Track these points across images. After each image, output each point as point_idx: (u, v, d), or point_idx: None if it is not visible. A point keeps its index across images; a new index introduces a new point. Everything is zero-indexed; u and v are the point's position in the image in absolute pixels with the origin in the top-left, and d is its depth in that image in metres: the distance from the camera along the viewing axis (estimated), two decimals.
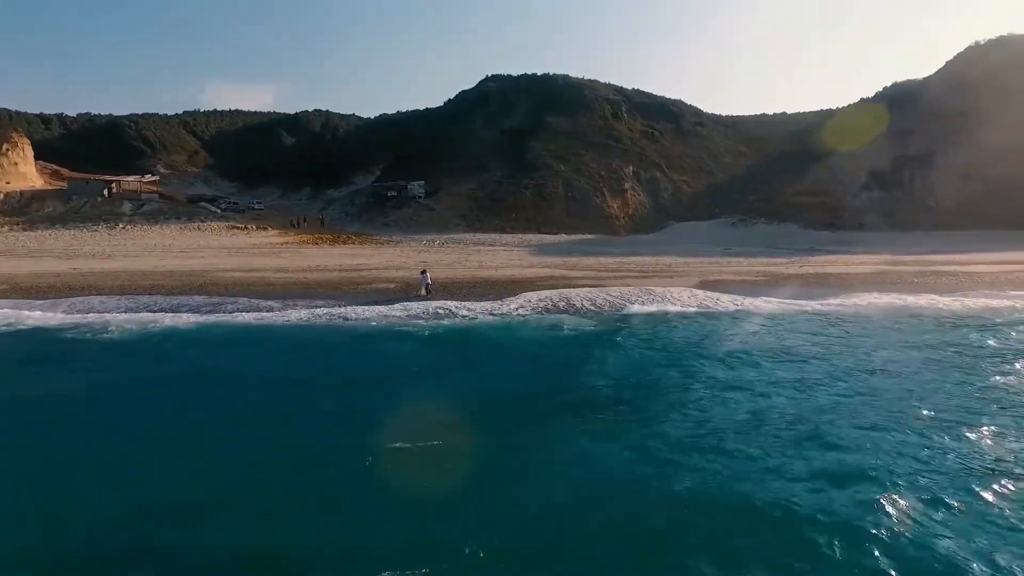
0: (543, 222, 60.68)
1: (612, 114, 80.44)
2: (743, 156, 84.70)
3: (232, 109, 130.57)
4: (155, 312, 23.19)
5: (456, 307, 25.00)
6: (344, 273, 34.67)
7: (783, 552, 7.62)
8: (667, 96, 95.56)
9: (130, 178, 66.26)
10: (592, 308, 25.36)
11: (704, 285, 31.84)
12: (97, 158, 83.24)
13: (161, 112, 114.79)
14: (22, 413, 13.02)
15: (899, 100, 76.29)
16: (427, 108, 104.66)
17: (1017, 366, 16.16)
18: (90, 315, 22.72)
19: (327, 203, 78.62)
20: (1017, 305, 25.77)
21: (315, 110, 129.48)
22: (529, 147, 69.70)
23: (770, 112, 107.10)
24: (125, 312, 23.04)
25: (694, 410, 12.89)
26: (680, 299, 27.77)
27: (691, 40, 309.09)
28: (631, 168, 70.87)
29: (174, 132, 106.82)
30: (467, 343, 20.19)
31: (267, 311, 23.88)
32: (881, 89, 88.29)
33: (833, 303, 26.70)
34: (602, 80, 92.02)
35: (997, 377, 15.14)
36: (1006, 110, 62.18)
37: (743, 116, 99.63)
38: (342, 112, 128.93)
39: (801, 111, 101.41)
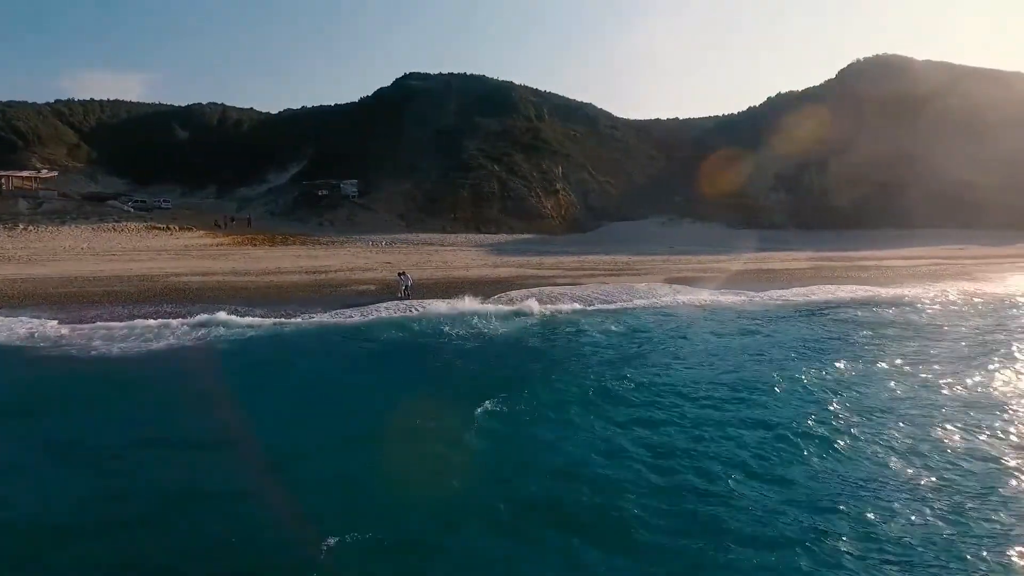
0: (482, 222, 60.84)
1: (536, 116, 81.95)
2: (655, 159, 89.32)
3: (112, 99, 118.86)
4: (133, 322, 20.90)
5: (456, 307, 24.69)
6: (311, 276, 33.06)
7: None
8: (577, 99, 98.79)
9: (24, 173, 58.37)
10: (590, 306, 26.09)
11: (671, 281, 33.60)
12: None
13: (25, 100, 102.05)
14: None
15: (784, 109, 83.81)
16: (338, 104, 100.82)
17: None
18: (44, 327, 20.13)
19: (242, 202, 73.82)
20: (932, 292, 29.90)
21: (209, 103, 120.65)
22: (463, 147, 69.44)
23: (663, 117, 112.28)
24: (89, 324, 20.61)
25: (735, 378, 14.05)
26: (664, 295, 29.20)
27: (588, 46, 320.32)
28: (560, 169, 72.68)
29: (48, 123, 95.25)
30: (513, 343, 19.89)
31: (261, 317, 22.44)
32: (765, 99, 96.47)
33: (790, 294, 29.41)
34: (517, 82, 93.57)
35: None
36: (886, 121, 70.47)
37: (642, 120, 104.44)
38: (239, 106, 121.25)
39: (692, 116, 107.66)
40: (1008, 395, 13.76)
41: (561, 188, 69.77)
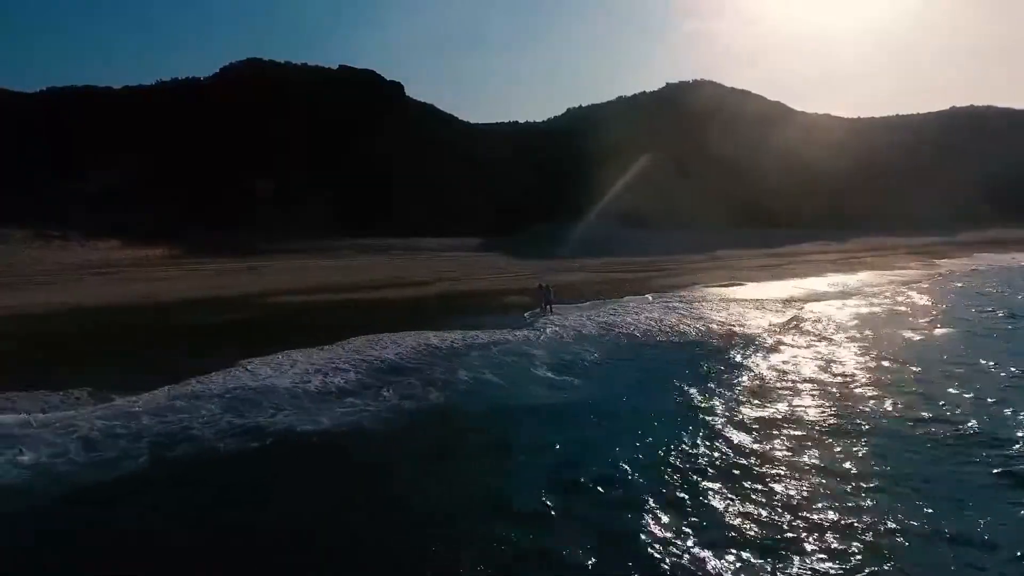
0: (430, 226, 57.03)
1: (420, 115, 79.07)
2: (521, 163, 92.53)
3: None
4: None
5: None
6: (418, 288, 28.85)
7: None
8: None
9: None
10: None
11: (733, 281, 36.38)
12: None
13: None
14: None
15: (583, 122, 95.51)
16: (162, 83, 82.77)
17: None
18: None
19: (69, 201, 56.97)
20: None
21: None
22: (376, 147, 63.78)
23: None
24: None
25: None
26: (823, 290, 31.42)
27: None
28: (465, 170, 71.57)
29: None
30: None
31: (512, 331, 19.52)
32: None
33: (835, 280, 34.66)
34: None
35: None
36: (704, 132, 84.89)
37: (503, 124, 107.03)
38: None
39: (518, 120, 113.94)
40: None
41: (476, 189, 68.84)
